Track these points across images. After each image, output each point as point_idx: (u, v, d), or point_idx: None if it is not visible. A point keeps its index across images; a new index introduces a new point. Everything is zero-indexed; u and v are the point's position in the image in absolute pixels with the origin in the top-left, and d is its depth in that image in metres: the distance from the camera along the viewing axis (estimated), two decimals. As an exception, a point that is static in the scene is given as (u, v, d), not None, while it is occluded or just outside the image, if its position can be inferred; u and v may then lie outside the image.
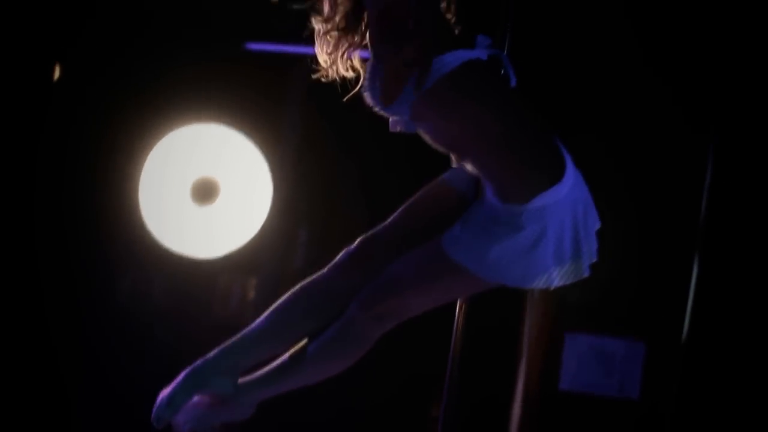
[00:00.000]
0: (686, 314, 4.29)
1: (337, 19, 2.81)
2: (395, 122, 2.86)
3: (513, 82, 2.88)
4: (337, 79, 2.92)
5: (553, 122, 3.06)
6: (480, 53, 2.79)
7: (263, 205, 5.38)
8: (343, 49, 2.86)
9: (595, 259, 2.88)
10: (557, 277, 2.83)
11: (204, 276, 5.46)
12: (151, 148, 5.32)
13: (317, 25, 2.85)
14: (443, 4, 2.88)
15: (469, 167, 2.84)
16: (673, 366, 4.33)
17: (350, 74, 2.89)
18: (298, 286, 2.96)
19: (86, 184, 5.36)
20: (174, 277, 5.44)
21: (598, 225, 2.89)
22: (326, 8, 2.82)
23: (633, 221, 4.30)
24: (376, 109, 2.83)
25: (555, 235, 2.75)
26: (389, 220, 3.01)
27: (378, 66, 2.78)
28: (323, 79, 2.95)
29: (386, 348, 3.02)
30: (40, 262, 5.28)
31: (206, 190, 5.37)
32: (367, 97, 2.83)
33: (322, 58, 2.89)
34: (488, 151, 2.78)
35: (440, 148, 2.87)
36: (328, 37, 2.84)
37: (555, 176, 2.75)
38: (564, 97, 4.32)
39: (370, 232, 2.99)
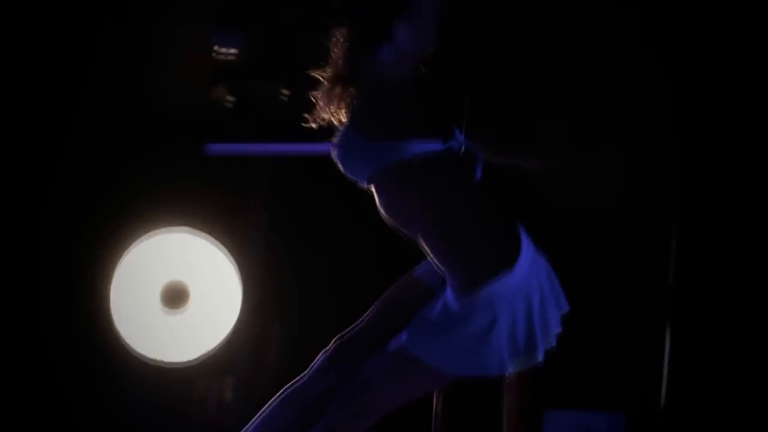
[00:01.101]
0: (663, 382, 4.32)
1: (342, 70, 2.90)
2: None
3: (478, 175, 2.91)
4: (334, 123, 2.98)
5: (516, 206, 3.11)
6: (447, 145, 2.83)
7: (234, 305, 5.37)
8: (346, 100, 2.94)
9: (553, 345, 2.89)
10: (511, 365, 2.83)
11: (180, 381, 5.43)
12: (120, 258, 5.31)
13: (322, 78, 2.94)
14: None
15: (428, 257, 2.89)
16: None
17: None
18: (280, 395, 2.98)
19: (58, 296, 5.34)
20: (150, 384, 5.40)
21: (564, 309, 2.91)
22: (335, 58, 2.90)
23: (604, 296, 4.36)
24: (338, 166, 2.92)
25: (507, 323, 2.77)
26: (363, 318, 3.04)
27: (351, 130, 2.88)
28: (314, 125, 3.00)
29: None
30: (17, 372, 5.25)
31: (177, 295, 5.36)
32: (333, 153, 2.92)
33: (324, 110, 2.96)
34: (433, 237, 2.84)
35: (390, 224, 2.91)
36: (334, 89, 2.93)
37: (505, 264, 2.77)
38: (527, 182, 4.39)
39: (344, 333, 3.03)
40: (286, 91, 5.15)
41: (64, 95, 5.08)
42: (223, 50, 4.78)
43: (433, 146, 2.80)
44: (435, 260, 2.86)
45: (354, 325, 3.04)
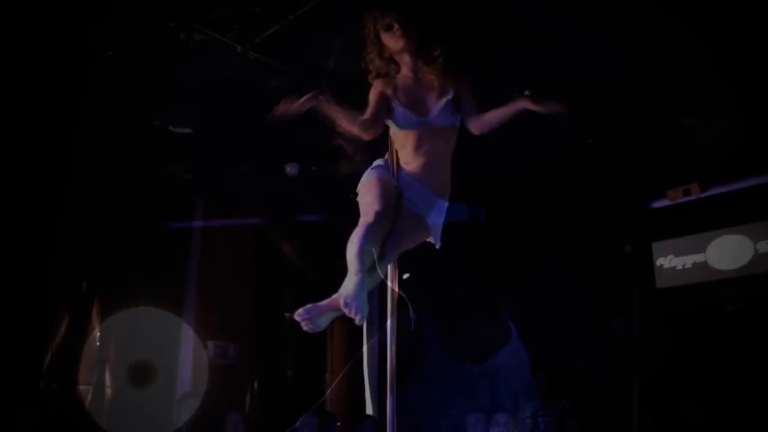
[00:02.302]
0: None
1: None
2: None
3: None
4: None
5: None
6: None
7: (200, 387, 5.37)
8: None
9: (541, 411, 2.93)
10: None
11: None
12: (87, 337, 5.31)
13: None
14: None
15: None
16: None
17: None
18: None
19: (26, 377, 5.24)
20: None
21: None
22: None
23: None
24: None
25: (509, 387, 2.82)
26: (331, 389, 3.05)
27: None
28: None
29: None
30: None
31: (144, 373, 5.31)
32: None
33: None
34: (443, 308, 2.89)
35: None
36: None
37: (506, 337, 2.87)
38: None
39: (315, 406, 3.02)
40: (243, 167, 5.19)
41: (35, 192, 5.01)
42: (178, 130, 4.78)
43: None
44: (438, 332, 2.88)
45: (323, 398, 3.06)
